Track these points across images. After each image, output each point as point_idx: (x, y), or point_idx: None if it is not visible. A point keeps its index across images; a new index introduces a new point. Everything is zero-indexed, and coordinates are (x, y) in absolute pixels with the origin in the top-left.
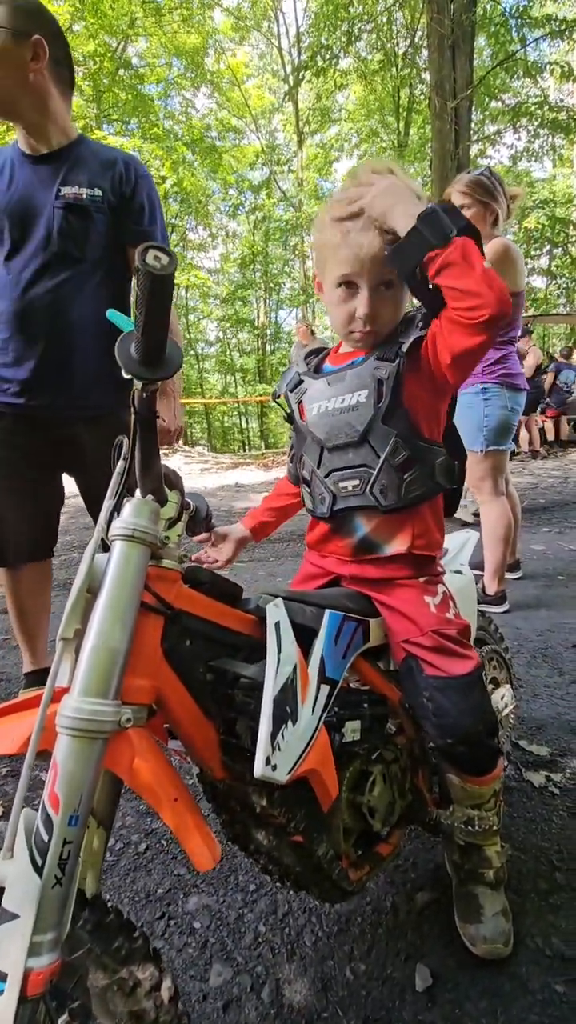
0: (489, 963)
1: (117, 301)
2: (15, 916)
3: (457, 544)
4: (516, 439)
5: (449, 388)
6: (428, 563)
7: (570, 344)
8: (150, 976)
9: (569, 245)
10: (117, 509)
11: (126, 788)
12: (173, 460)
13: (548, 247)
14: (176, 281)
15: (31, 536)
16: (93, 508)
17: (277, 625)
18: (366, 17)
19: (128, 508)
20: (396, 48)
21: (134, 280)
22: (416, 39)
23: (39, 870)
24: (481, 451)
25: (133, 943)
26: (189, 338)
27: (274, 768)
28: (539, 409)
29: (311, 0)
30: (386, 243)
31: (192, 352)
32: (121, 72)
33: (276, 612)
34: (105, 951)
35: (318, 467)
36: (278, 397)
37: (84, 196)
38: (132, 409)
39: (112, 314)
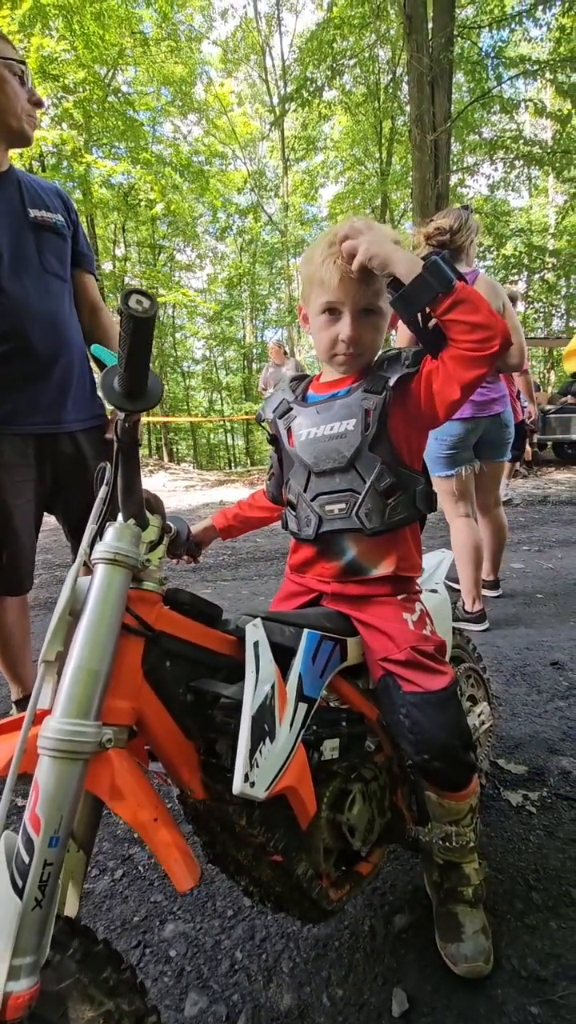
0: (465, 986)
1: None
2: None
3: (432, 563)
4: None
5: (435, 424)
6: (407, 582)
7: (548, 367)
8: (136, 1010)
9: (545, 271)
10: (99, 533)
11: (105, 812)
12: (158, 477)
13: (525, 273)
14: (164, 299)
15: (33, 561)
16: (78, 529)
17: (256, 645)
18: (349, 53)
19: (110, 532)
20: (379, 82)
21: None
22: (397, 75)
23: (19, 892)
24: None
25: (121, 975)
26: (176, 356)
27: (252, 785)
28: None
29: (297, 35)
30: (386, 285)
31: (179, 370)
32: (111, 99)
33: (255, 632)
34: (92, 982)
35: (305, 490)
36: (263, 420)
37: (52, 221)
38: (115, 438)
39: (96, 349)
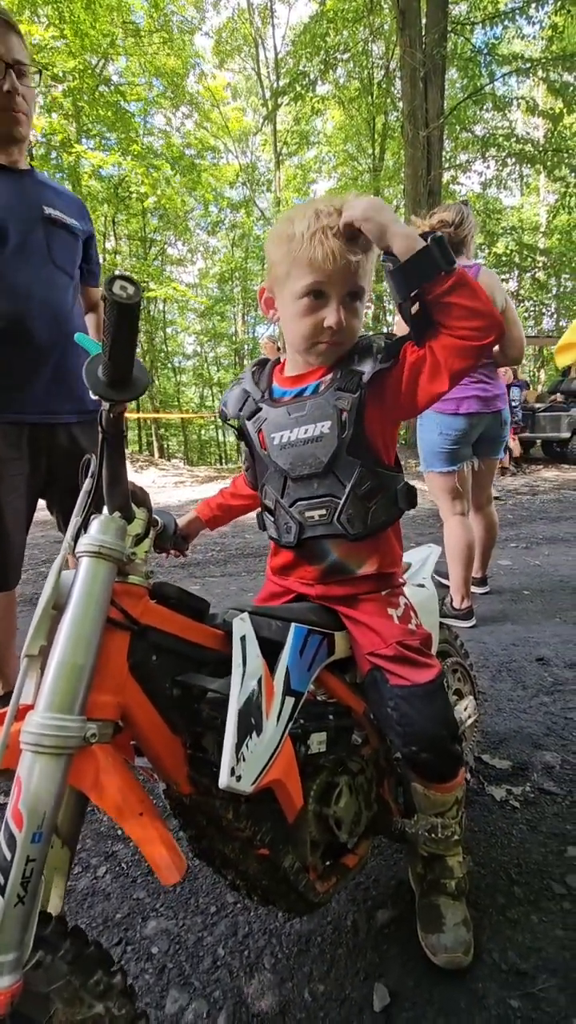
0: (446, 980)
1: (83, 319)
2: None
3: (420, 559)
4: None
5: (411, 415)
6: (390, 578)
7: (537, 365)
8: (126, 1015)
9: (536, 270)
10: (84, 526)
11: (89, 809)
12: (148, 473)
13: (516, 272)
14: (154, 294)
15: (23, 555)
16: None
17: (243, 639)
18: (343, 47)
19: (95, 525)
20: (372, 77)
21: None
22: (391, 70)
23: (0, 889)
24: (424, 473)
25: (112, 977)
26: (167, 351)
27: (239, 779)
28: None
29: (291, 28)
30: (383, 259)
31: (169, 365)
32: (102, 88)
33: (242, 626)
34: (83, 985)
35: (282, 496)
36: (227, 419)
37: (67, 222)
38: (99, 428)
39: (80, 337)
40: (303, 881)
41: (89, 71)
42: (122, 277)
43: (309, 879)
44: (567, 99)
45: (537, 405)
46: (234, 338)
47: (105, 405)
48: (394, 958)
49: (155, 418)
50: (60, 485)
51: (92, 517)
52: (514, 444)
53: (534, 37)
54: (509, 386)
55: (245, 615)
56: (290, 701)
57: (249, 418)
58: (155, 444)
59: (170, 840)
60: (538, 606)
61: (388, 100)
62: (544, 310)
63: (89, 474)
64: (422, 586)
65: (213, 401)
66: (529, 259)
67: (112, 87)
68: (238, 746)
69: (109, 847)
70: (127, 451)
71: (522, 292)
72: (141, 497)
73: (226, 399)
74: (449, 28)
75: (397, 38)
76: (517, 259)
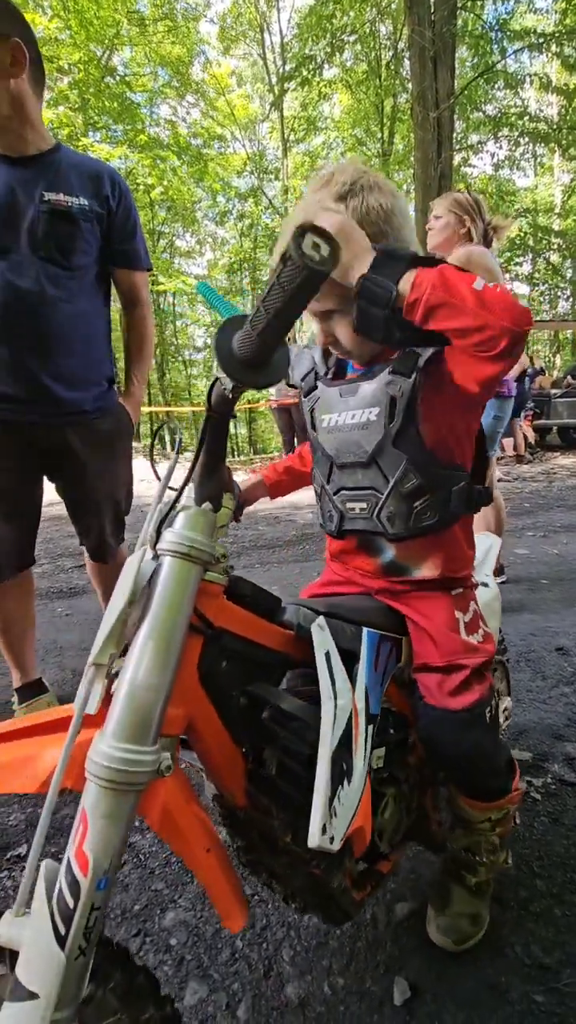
0: (468, 974)
1: (101, 309)
2: (34, 995)
3: (480, 551)
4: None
5: (482, 400)
6: (460, 579)
7: (553, 350)
8: None
9: (550, 252)
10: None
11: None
12: (160, 467)
13: (530, 255)
14: (164, 287)
15: (18, 546)
16: (75, 514)
17: (327, 656)
18: (349, 28)
19: (182, 519)
20: (380, 58)
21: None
22: (399, 50)
23: (62, 941)
24: None
25: (162, 1008)
26: (177, 344)
27: (331, 839)
28: (522, 415)
29: (296, 11)
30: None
31: (180, 358)
32: (107, 79)
33: (323, 637)
34: (135, 1022)
35: (327, 482)
36: (291, 383)
37: (70, 204)
38: (207, 407)
39: (203, 287)
40: (347, 897)
41: (94, 62)
42: (316, 230)
43: (352, 895)
44: None
45: (553, 391)
46: None
47: (227, 384)
48: (414, 951)
49: (167, 411)
50: (58, 480)
51: (178, 508)
52: (529, 431)
53: (547, 11)
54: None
55: (322, 620)
56: (370, 730)
57: (307, 394)
58: (167, 438)
59: (237, 883)
60: (556, 595)
61: (397, 82)
62: (560, 293)
63: (175, 453)
64: (485, 584)
65: None
66: (544, 241)
67: (118, 78)
68: (331, 799)
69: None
70: (138, 444)
71: (537, 275)
72: (229, 481)
73: (295, 362)
74: (459, 5)
75: (405, 17)
76: (531, 242)
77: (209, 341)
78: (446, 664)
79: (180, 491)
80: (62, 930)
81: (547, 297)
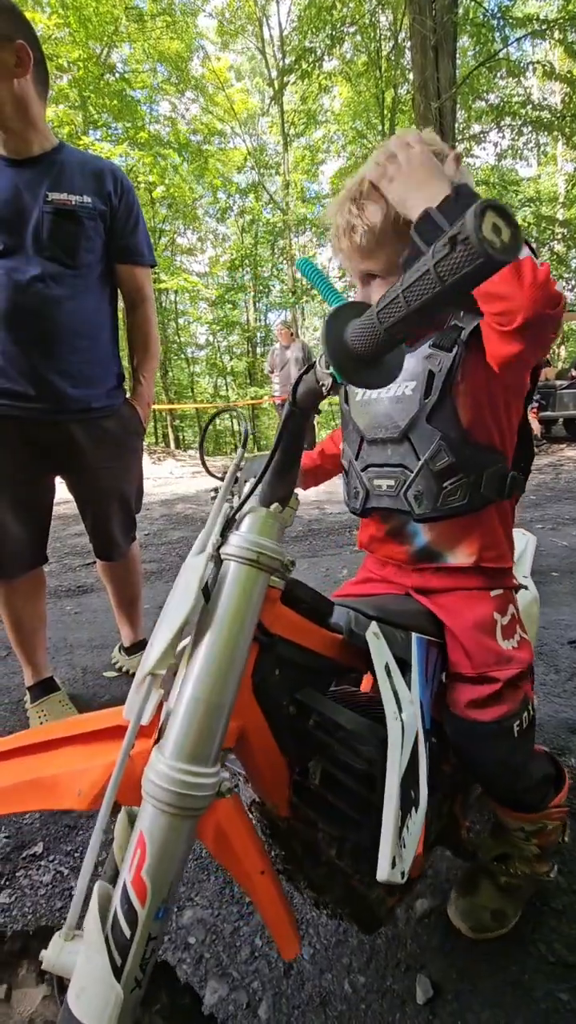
0: (491, 971)
1: (107, 307)
2: None
3: (517, 549)
4: None
5: (517, 386)
6: (500, 575)
7: (557, 342)
8: None
9: (555, 242)
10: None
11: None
12: (166, 465)
13: (535, 245)
14: (166, 285)
15: (29, 544)
16: (84, 512)
17: (387, 669)
18: (349, 19)
19: (250, 521)
20: (380, 49)
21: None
22: (400, 40)
23: (118, 973)
24: None
25: None
26: (179, 342)
27: (403, 874)
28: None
29: (295, 3)
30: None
31: (183, 356)
32: (107, 77)
33: (379, 647)
34: None
35: (356, 458)
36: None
37: (73, 203)
38: (291, 399)
39: (306, 265)
40: (383, 907)
41: (93, 59)
42: (497, 210)
43: (387, 904)
44: None
45: (558, 382)
46: (246, 326)
47: (324, 379)
48: (435, 949)
49: (170, 409)
50: (67, 476)
51: (246, 509)
52: (535, 423)
53: None
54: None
55: (376, 627)
56: (427, 748)
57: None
58: (171, 435)
59: (290, 908)
60: (567, 588)
61: (397, 72)
62: (565, 283)
63: (241, 449)
64: (524, 587)
65: (227, 390)
66: (548, 231)
67: (117, 75)
68: (400, 828)
69: None
70: (144, 443)
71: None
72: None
73: None
74: None
75: (406, 6)
76: (535, 232)
77: (211, 339)
78: (477, 675)
79: (252, 490)
80: (118, 961)
81: None
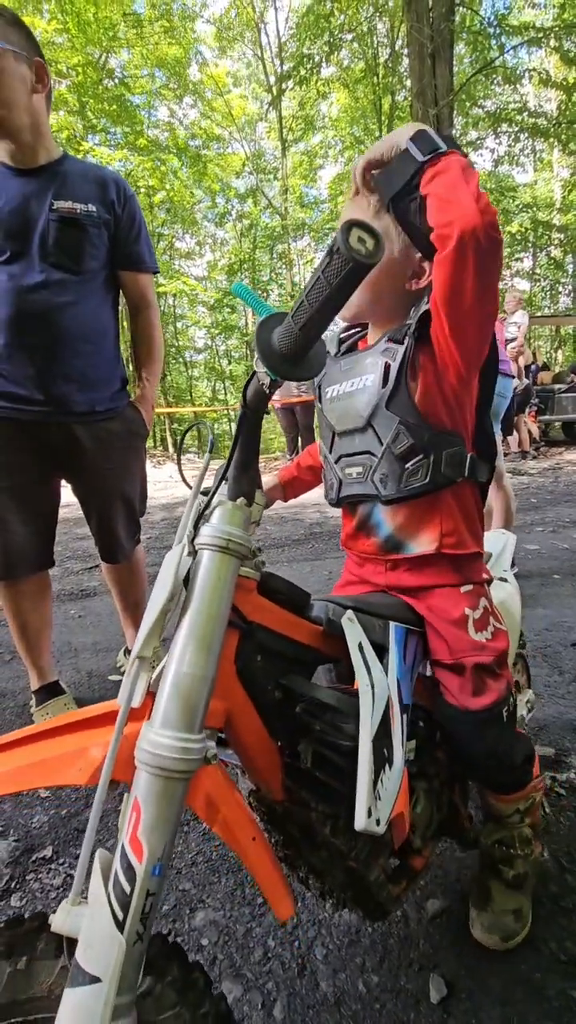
0: (503, 970)
1: (110, 312)
2: (96, 979)
3: (495, 548)
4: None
5: (475, 362)
6: (468, 564)
7: (554, 346)
8: None
9: (551, 247)
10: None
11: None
12: (165, 468)
13: (531, 250)
14: (165, 289)
15: (35, 546)
16: (89, 515)
17: (361, 648)
18: (347, 27)
19: (218, 513)
20: (378, 56)
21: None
22: (397, 48)
23: (120, 926)
24: None
25: (217, 1005)
26: (178, 346)
27: (378, 822)
28: (526, 410)
29: (293, 11)
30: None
31: (181, 360)
32: (105, 82)
33: (354, 630)
34: (193, 1018)
35: (330, 452)
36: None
37: (78, 211)
38: (242, 402)
39: (240, 289)
40: (385, 891)
41: (92, 65)
42: (361, 226)
43: (389, 889)
44: None
45: (556, 386)
46: (244, 330)
47: (265, 380)
48: (448, 948)
49: (169, 413)
50: (72, 478)
51: (214, 503)
52: (534, 426)
53: (544, 5)
54: (526, 368)
55: (351, 614)
56: (404, 718)
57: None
58: (169, 439)
59: (282, 872)
60: (569, 590)
61: (394, 79)
62: (561, 288)
63: (209, 450)
64: (503, 580)
65: (226, 394)
66: (544, 236)
67: (116, 80)
68: (374, 783)
69: None
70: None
71: (538, 270)
72: (259, 477)
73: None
74: (457, 1)
75: (403, 14)
76: (532, 237)
77: (210, 342)
78: (454, 662)
79: (216, 487)
80: (120, 916)
81: (548, 292)
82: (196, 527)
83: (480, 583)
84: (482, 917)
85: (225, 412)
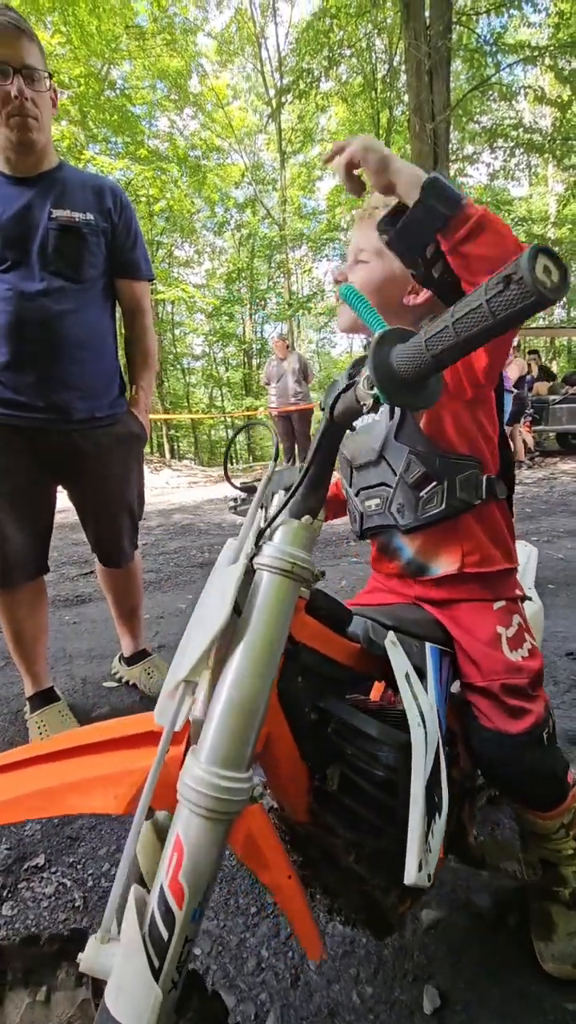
0: (499, 982)
1: (109, 319)
2: None
3: (520, 561)
4: None
5: (482, 391)
6: (499, 580)
7: (549, 357)
8: None
9: None
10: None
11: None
12: (162, 475)
13: None
14: (163, 296)
15: (32, 553)
16: (88, 521)
17: (407, 677)
18: (346, 43)
19: (283, 533)
20: (376, 72)
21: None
22: (395, 64)
23: (156, 974)
24: None
25: None
26: (176, 352)
27: (429, 876)
28: (521, 420)
29: (293, 26)
30: (381, 222)
31: (179, 366)
32: (107, 93)
33: (399, 657)
34: None
35: (350, 486)
36: (323, 409)
37: (77, 219)
38: (328, 415)
39: (351, 293)
40: (396, 913)
41: (95, 76)
42: (548, 253)
43: (399, 910)
44: (575, 86)
45: (551, 397)
46: (242, 338)
47: (367, 398)
48: (442, 959)
49: (166, 419)
50: (70, 484)
51: (279, 521)
52: (529, 436)
53: (540, 25)
54: (521, 379)
55: (393, 636)
56: (444, 752)
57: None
58: (166, 445)
59: (311, 911)
60: (564, 600)
61: (392, 94)
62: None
63: (273, 461)
64: (528, 598)
65: (222, 401)
66: None
67: (117, 91)
68: (425, 834)
69: None
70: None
71: None
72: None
73: (328, 390)
74: (454, 19)
75: (402, 31)
76: None
77: (208, 350)
78: (486, 685)
79: (286, 502)
80: (156, 963)
81: None
82: (256, 544)
83: (513, 599)
84: (550, 948)
85: (222, 419)
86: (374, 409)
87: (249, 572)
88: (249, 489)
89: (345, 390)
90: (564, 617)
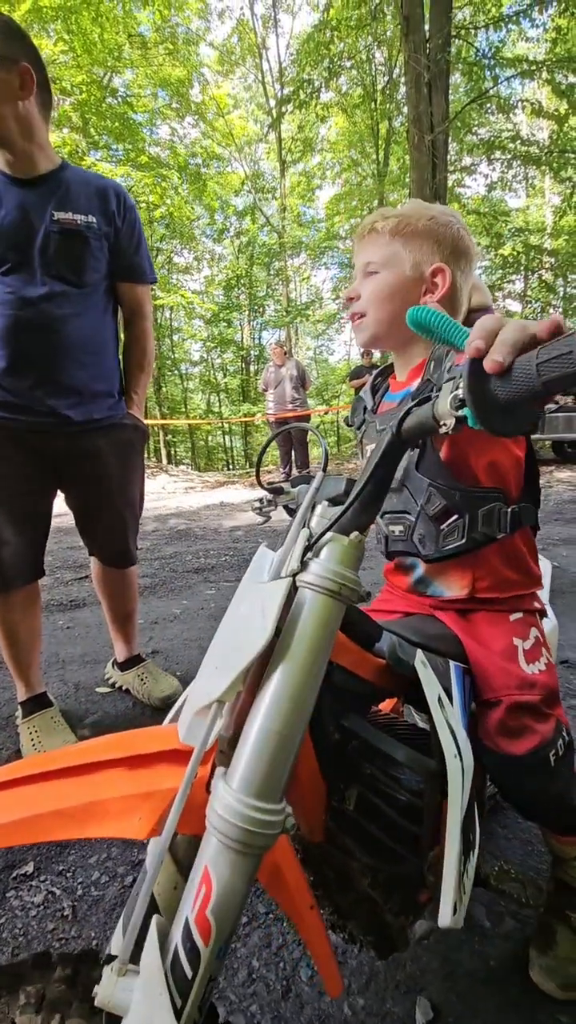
0: (492, 994)
1: (111, 323)
2: None
3: None
4: None
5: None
6: (517, 599)
7: None
8: None
9: (543, 271)
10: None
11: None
12: (159, 480)
13: (523, 273)
14: (162, 302)
15: (28, 557)
16: (91, 523)
17: (440, 702)
18: (346, 54)
19: (331, 550)
20: (376, 83)
21: None
22: (394, 76)
23: (178, 1014)
24: None
25: None
26: (174, 358)
27: (462, 918)
28: None
29: (294, 37)
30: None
31: (177, 372)
32: (109, 101)
33: (430, 678)
34: None
35: None
36: (350, 425)
37: (79, 222)
38: (396, 430)
39: (417, 311)
40: (403, 934)
41: (96, 83)
42: None
43: (405, 930)
44: (572, 100)
45: (547, 406)
46: (241, 344)
47: (449, 420)
48: (435, 971)
49: (163, 424)
50: (69, 486)
51: (327, 537)
52: None
53: (538, 40)
54: None
55: (423, 656)
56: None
57: (359, 427)
58: (163, 450)
59: (331, 943)
60: (559, 608)
61: (391, 106)
62: (552, 310)
63: (321, 471)
64: (545, 614)
65: (220, 407)
66: (536, 260)
67: (119, 99)
68: (461, 875)
69: (136, 855)
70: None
71: (530, 293)
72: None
73: (354, 406)
74: (453, 33)
75: (401, 44)
76: (524, 260)
77: (206, 356)
78: (496, 699)
79: (340, 515)
80: (179, 1002)
81: (538, 314)
82: (303, 560)
83: (531, 612)
84: (541, 960)
85: (219, 425)
86: (454, 430)
87: (291, 588)
88: (276, 490)
89: (418, 404)
90: (560, 625)
